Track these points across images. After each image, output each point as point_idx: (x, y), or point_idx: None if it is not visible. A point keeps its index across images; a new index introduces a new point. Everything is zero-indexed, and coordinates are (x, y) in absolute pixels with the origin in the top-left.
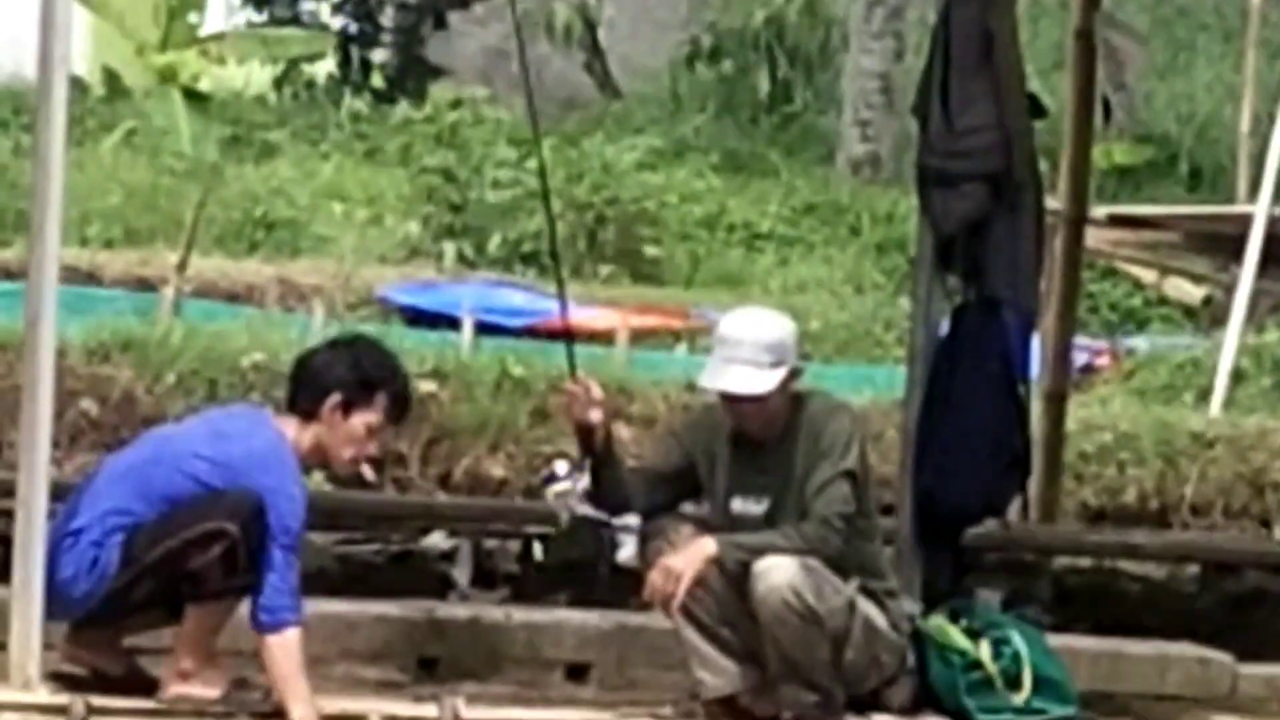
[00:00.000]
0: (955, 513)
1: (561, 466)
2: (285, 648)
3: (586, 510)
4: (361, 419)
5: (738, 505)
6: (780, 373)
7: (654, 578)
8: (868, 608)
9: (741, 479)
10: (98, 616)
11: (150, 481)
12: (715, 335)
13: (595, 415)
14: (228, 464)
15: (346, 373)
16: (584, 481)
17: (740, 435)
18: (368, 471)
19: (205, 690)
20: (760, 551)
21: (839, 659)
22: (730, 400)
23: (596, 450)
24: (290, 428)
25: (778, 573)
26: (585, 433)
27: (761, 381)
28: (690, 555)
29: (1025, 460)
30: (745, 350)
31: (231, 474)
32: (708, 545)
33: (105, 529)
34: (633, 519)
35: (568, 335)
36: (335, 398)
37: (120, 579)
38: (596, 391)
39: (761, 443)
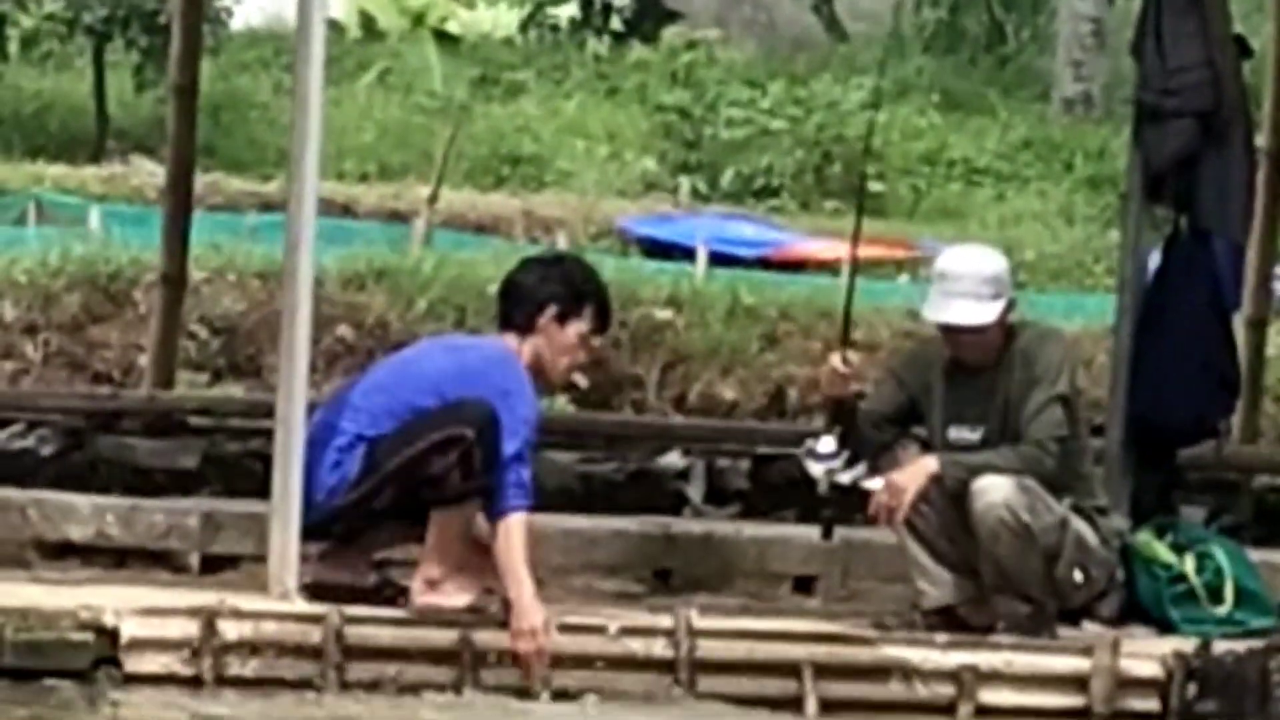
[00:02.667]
0: (1170, 433)
1: (827, 444)
2: (508, 532)
3: (843, 479)
4: (575, 328)
5: (954, 433)
6: (1000, 304)
7: (879, 494)
8: (1079, 525)
9: (958, 408)
10: (343, 527)
11: (395, 396)
12: (934, 271)
13: (849, 390)
14: (463, 369)
15: (559, 286)
16: (844, 457)
17: (956, 366)
18: (581, 379)
19: (453, 598)
20: (979, 470)
21: (1051, 573)
22: (952, 332)
23: (843, 418)
24: (510, 343)
25: (995, 491)
26: (837, 405)
27: (983, 313)
28: (914, 472)
29: (1235, 382)
30: (966, 284)
31: (468, 379)
32: (930, 463)
33: (351, 439)
34: (878, 482)
35: (844, 330)
36: (552, 309)
37: (362, 487)
38: (849, 370)
39: (976, 372)
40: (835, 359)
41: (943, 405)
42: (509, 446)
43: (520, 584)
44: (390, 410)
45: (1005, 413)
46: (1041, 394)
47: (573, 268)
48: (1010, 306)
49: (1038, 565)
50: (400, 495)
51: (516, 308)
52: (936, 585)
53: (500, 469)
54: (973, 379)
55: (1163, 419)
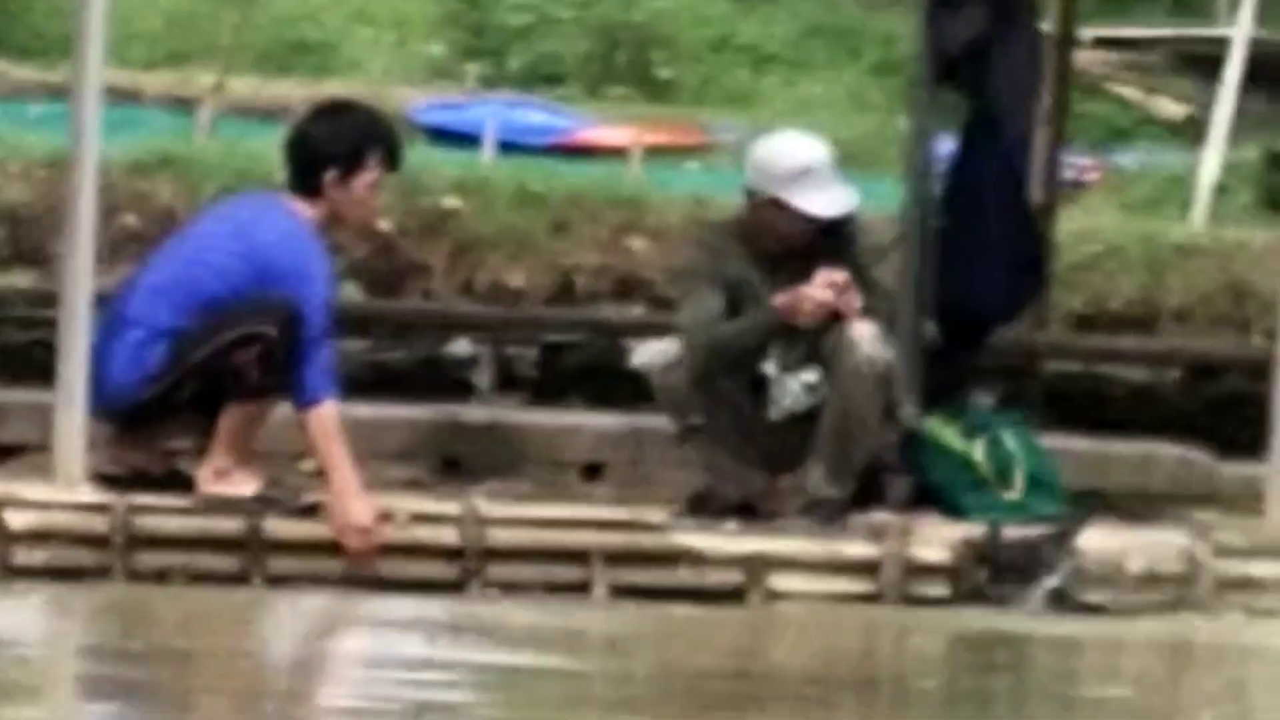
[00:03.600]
0: (983, 315)
1: (814, 373)
2: (321, 420)
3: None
4: (361, 181)
5: None
6: None
7: (808, 294)
8: None
9: (789, 291)
10: (143, 418)
11: (190, 289)
12: (793, 165)
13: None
14: (252, 253)
15: (336, 146)
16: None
17: (765, 253)
18: (383, 224)
19: (239, 488)
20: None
21: (885, 423)
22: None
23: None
24: (300, 206)
25: (865, 328)
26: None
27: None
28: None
29: (1041, 264)
30: (831, 170)
31: (259, 263)
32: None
33: (149, 333)
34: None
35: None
36: (333, 172)
37: (164, 381)
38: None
39: (786, 256)
40: (835, 274)
41: (770, 291)
42: (310, 332)
43: (344, 476)
44: (186, 305)
45: None
46: (878, 273)
47: (349, 119)
48: None
49: (879, 413)
50: (201, 389)
51: (298, 173)
52: (729, 482)
53: (302, 360)
54: (787, 262)
55: (976, 302)
